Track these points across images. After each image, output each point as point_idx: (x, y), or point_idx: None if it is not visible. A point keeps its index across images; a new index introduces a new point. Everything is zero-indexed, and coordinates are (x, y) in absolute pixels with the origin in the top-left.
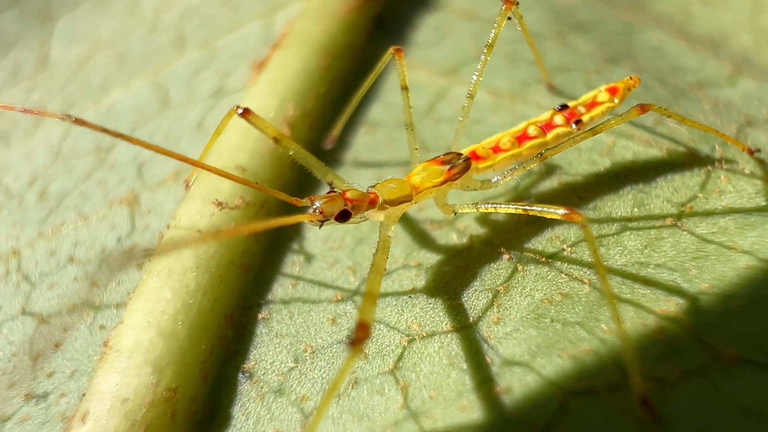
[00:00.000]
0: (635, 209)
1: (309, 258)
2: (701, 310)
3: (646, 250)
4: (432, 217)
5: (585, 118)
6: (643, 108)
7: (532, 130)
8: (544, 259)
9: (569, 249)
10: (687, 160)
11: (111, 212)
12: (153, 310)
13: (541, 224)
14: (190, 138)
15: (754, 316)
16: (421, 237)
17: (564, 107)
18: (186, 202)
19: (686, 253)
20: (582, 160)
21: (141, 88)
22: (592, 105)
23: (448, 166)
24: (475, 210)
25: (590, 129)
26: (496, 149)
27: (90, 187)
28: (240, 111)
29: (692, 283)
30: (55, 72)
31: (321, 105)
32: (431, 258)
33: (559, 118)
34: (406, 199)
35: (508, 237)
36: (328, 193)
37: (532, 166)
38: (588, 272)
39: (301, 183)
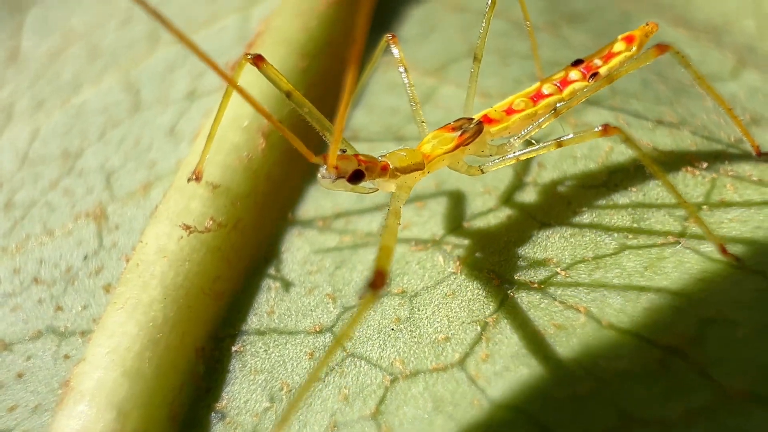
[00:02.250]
0: (635, 224)
1: (286, 284)
2: (706, 340)
3: (646, 272)
4: (417, 236)
5: (602, 70)
6: (661, 48)
7: (547, 89)
8: (536, 285)
9: (563, 273)
10: (690, 167)
11: (77, 226)
12: (117, 347)
13: (532, 245)
14: (161, 145)
15: (763, 345)
16: (404, 260)
17: (579, 62)
18: (153, 222)
19: (690, 275)
20: (577, 169)
21: (112, 86)
22: (608, 56)
23: (459, 132)
24: (502, 164)
25: (606, 77)
26: (510, 111)
27: (56, 197)
28: (251, 57)
29: (696, 309)
30: (25, 66)
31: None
32: (416, 284)
33: (575, 74)
34: (418, 167)
35: (497, 259)
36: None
37: (546, 124)
38: (584, 298)
39: (279, 195)
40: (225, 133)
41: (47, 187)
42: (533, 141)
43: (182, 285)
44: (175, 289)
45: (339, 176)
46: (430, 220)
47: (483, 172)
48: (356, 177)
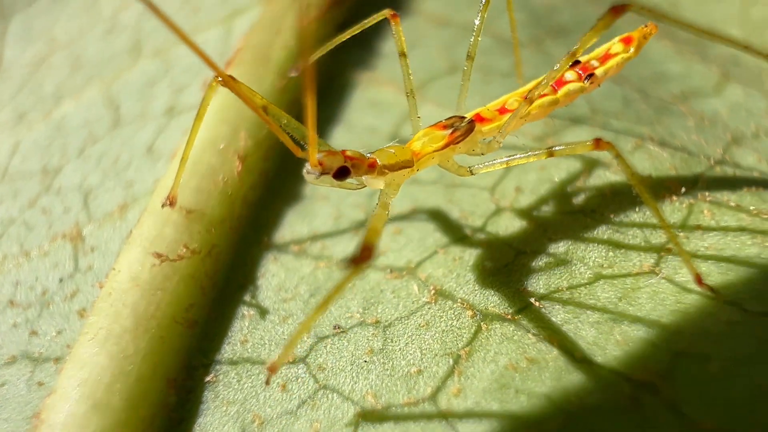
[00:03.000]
0: (610, 253)
1: (260, 311)
2: (678, 375)
3: (620, 303)
4: (393, 264)
5: (599, 71)
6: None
7: (538, 89)
8: (510, 316)
9: (538, 303)
10: (668, 192)
11: (54, 248)
12: (88, 379)
13: (508, 273)
14: (139, 164)
15: (735, 379)
16: (379, 288)
17: (575, 62)
18: (127, 248)
19: (664, 306)
20: (555, 193)
21: (93, 99)
22: (605, 57)
23: (450, 130)
24: (492, 167)
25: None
26: (503, 110)
27: (34, 215)
28: (220, 79)
29: (669, 343)
30: (8, 76)
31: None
32: (390, 314)
33: (570, 74)
34: (407, 164)
35: (472, 288)
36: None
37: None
38: (557, 331)
39: (255, 219)
40: (201, 155)
41: (26, 205)
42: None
43: (154, 315)
44: (147, 319)
45: (323, 172)
46: (405, 247)
47: (472, 174)
48: (341, 173)
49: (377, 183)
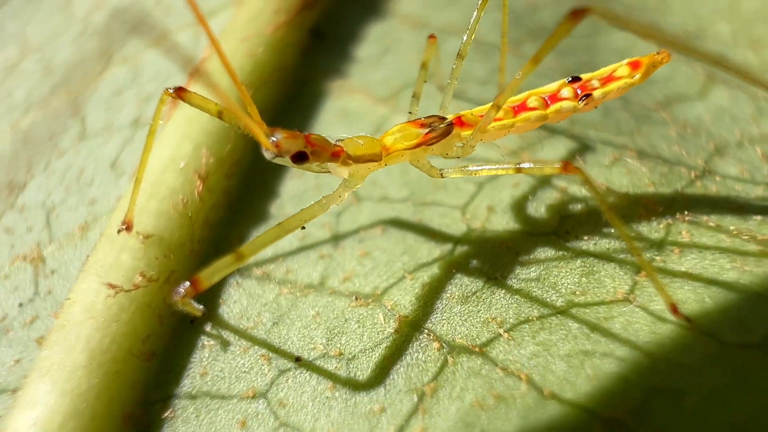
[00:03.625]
0: (584, 279)
1: (221, 341)
2: (651, 412)
3: (593, 335)
4: (359, 290)
5: (597, 93)
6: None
7: (532, 101)
8: (477, 348)
9: (506, 335)
10: (646, 211)
11: (14, 270)
12: (39, 419)
13: (476, 301)
14: (102, 179)
15: (710, 417)
16: (344, 317)
17: (576, 79)
18: (83, 276)
19: (638, 337)
20: (528, 214)
21: (60, 109)
22: (608, 79)
23: (426, 130)
24: (462, 174)
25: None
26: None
27: None
28: (172, 90)
29: (642, 377)
30: None
31: (240, 147)
32: (354, 345)
33: (567, 91)
34: (374, 158)
35: (440, 318)
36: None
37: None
38: (526, 364)
39: (217, 241)
40: (161, 175)
41: None
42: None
43: (109, 348)
44: (101, 353)
45: (279, 155)
46: (372, 271)
47: (442, 177)
48: (299, 158)
49: (340, 172)
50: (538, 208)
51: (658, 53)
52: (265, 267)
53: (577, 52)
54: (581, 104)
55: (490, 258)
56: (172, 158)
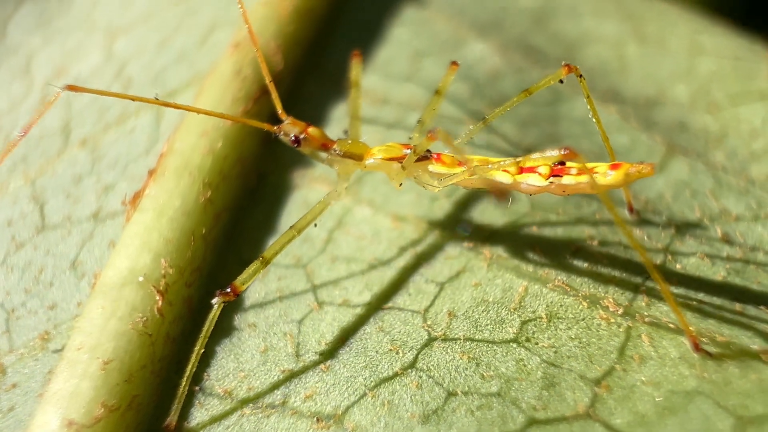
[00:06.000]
0: (545, 392)
1: None
2: None
3: None
4: (319, 410)
5: (567, 180)
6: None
7: (508, 166)
8: None
9: None
10: (605, 312)
11: None
12: None
13: (437, 421)
14: (62, 281)
15: None
16: None
17: (561, 163)
18: (41, 408)
19: None
20: (489, 318)
21: (19, 192)
22: (581, 171)
23: (408, 151)
24: (421, 185)
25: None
26: (461, 164)
27: None
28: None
29: None
30: None
31: (201, 251)
32: None
33: (543, 168)
34: (356, 157)
35: None
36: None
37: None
38: None
39: (178, 357)
40: (120, 292)
41: None
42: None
43: None
44: None
45: (282, 134)
46: (334, 388)
47: (400, 185)
48: (295, 141)
49: (330, 163)
50: (499, 313)
51: (641, 163)
52: (227, 384)
53: (540, 123)
54: (549, 183)
55: (452, 370)
56: (131, 271)
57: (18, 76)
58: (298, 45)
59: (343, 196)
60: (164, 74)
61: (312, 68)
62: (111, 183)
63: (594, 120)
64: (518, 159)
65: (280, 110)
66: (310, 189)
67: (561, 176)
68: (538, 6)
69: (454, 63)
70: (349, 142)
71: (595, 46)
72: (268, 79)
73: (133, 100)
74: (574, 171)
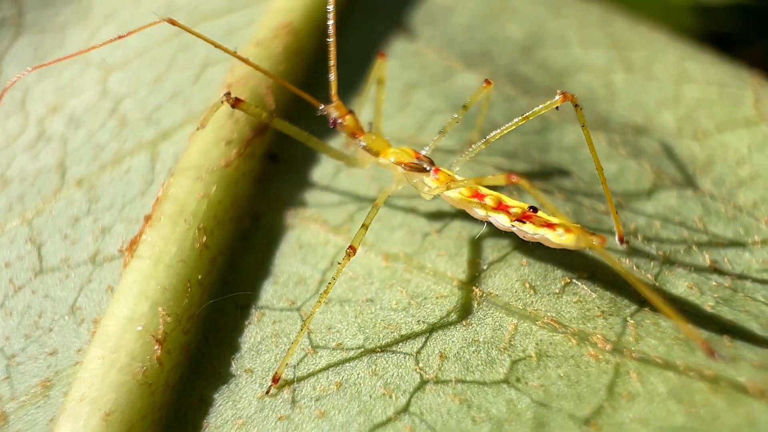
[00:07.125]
0: None
1: None
2: None
3: None
4: None
5: (527, 228)
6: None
7: (488, 197)
8: None
9: None
10: (593, 349)
11: None
12: None
13: None
14: (62, 326)
15: None
16: None
17: (534, 209)
18: None
19: None
20: (480, 359)
21: (16, 233)
22: (546, 224)
23: (416, 160)
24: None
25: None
26: (452, 180)
27: None
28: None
29: None
30: None
31: (197, 297)
32: None
33: (517, 210)
34: (374, 153)
35: None
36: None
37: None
38: None
39: (178, 405)
40: (119, 341)
41: None
42: None
43: None
44: None
45: (325, 113)
46: None
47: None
48: (333, 123)
49: (356, 149)
50: (489, 352)
51: (597, 235)
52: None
53: (530, 151)
54: (513, 225)
55: (443, 414)
56: (129, 320)
57: (13, 112)
58: (290, 83)
59: (367, 165)
60: (158, 112)
61: (304, 106)
62: (108, 225)
63: (589, 149)
64: (474, 179)
65: (334, 91)
66: (304, 228)
67: (524, 222)
68: (526, 36)
69: (381, 54)
70: (374, 137)
71: (583, 74)
72: (332, 62)
73: (225, 51)
74: (537, 221)
